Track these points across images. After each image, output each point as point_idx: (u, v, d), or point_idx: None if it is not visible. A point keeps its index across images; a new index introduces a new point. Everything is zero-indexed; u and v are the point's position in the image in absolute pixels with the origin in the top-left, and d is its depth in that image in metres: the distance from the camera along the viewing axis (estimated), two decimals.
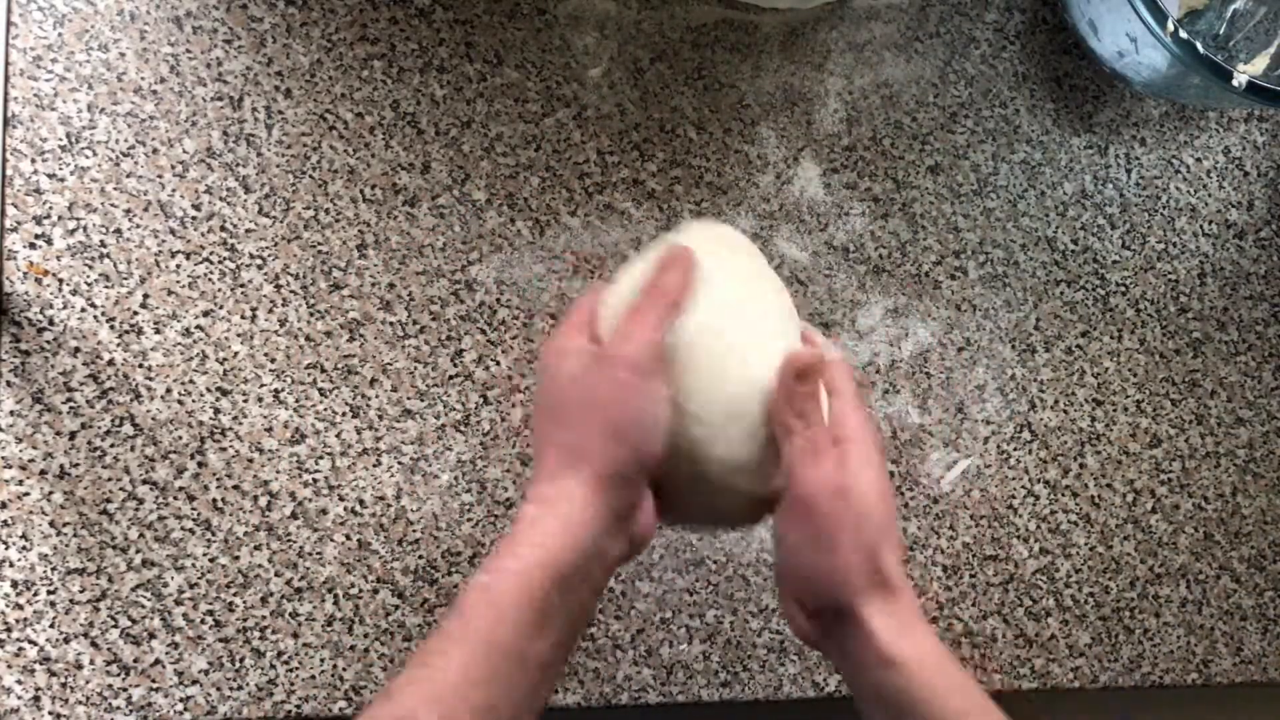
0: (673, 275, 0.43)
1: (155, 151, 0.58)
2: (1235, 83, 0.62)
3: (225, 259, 0.58)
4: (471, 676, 0.35)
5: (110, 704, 0.54)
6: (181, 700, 0.55)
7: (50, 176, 0.56)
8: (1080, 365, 0.73)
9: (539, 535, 0.39)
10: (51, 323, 0.55)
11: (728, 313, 0.45)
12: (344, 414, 0.59)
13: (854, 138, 0.70)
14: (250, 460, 0.57)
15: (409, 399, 0.60)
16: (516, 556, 0.38)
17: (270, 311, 0.58)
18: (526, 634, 0.37)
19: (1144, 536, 0.73)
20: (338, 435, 0.59)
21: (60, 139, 0.56)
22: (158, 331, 0.57)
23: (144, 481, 0.56)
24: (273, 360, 0.58)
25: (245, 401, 0.57)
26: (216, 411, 0.57)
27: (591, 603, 0.41)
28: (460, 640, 0.36)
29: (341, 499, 0.58)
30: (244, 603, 0.56)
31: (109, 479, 0.55)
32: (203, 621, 0.56)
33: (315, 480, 0.58)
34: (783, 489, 0.42)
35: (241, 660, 0.56)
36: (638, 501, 0.41)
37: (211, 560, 0.56)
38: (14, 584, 0.53)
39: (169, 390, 0.56)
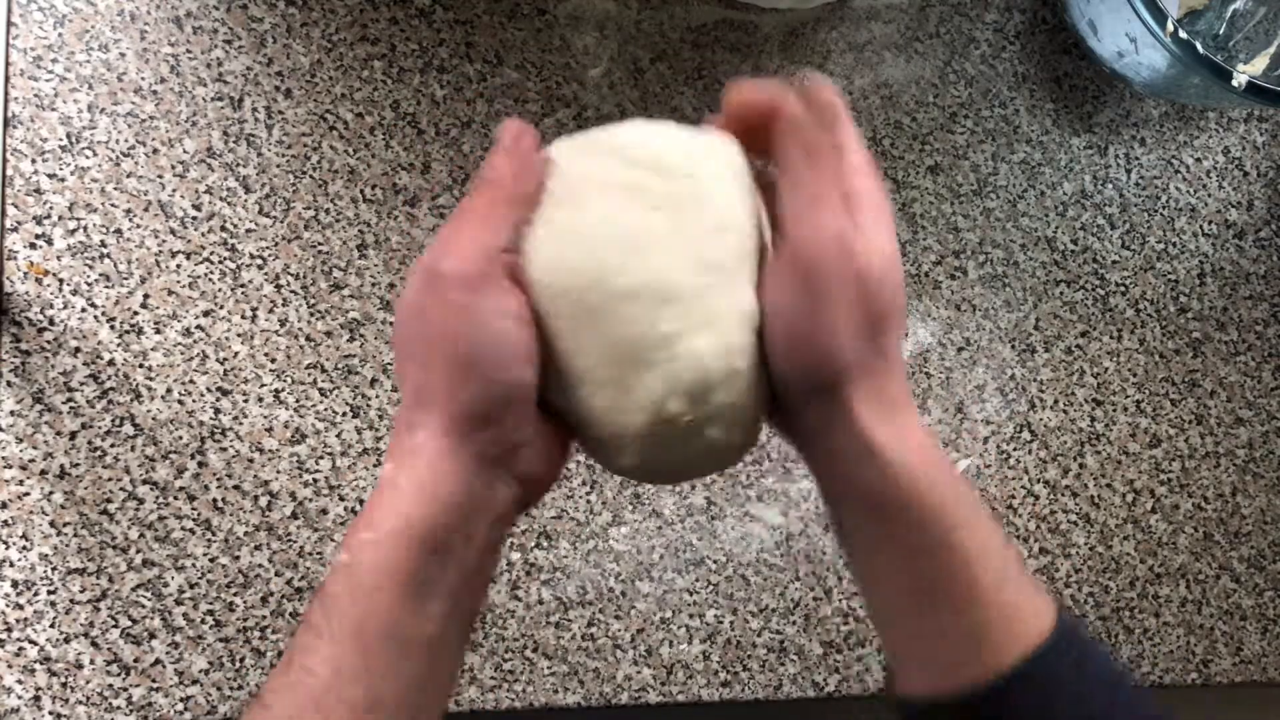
0: (501, 160, 0.34)
1: (155, 151, 0.58)
2: (1235, 83, 0.62)
3: (225, 259, 0.58)
4: (345, 672, 0.31)
5: (110, 704, 0.54)
6: (182, 700, 0.55)
7: (50, 176, 0.56)
8: (1080, 365, 0.73)
9: (397, 499, 0.32)
10: (52, 323, 0.55)
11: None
12: (344, 414, 0.59)
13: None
14: (250, 460, 0.57)
15: None
16: (374, 527, 0.32)
17: (270, 311, 0.58)
18: (403, 613, 0.32)
19: (1144, 536, 0.73)
20: (338, 435, 0.59)
21: (60, 139, 0.56)
22: (158, 331, 0.57)
23: (144, 481, 0.56)
24: (273, 360, 0.58)
25: (245, 401, 0.57)
26: (217, 411, 0.57)
27: (486, 561, 0.35)
28: (327, 631, 0.31)
29: (342, 499, 0.58)
30: (244, 603, 0.56)
31: (109, 479, 0.55)
32: (203, 621, 0.56)
33: (315, 480, 0.58)
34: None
35: (242, 660, 0.56)
36: (517, 439, 0.34)
37: (212, 560, 0.56)
38: (14, 584, 0.53)
39: (169, 390, 0.56)
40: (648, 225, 0.34)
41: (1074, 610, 0.71)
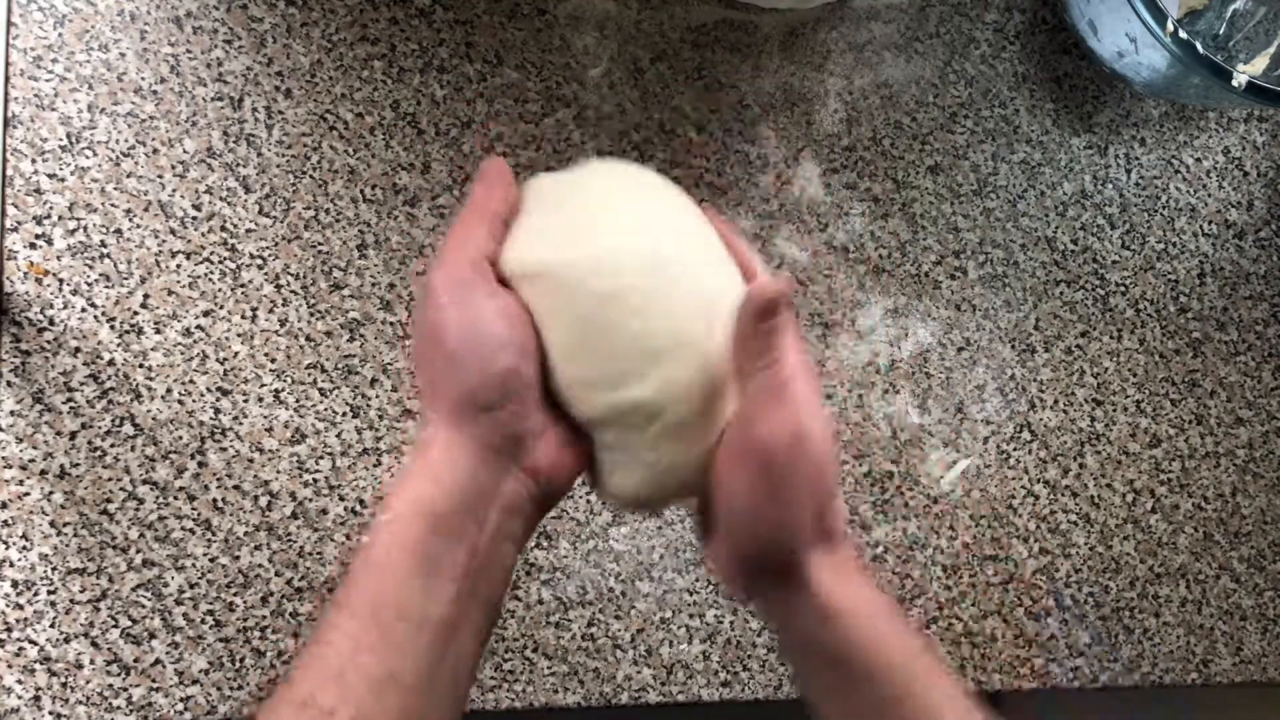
0: (480, 187, 0.39)
1: (155, 151, 0.58)
2: (1235, 83, 0.62)
3: (225, 259, 0.58)
4: (363, 644, 0.33)
5: (110, 704, 0.54)
6: (182, 700, 0.55)
7: (50, 176, 0.56)
8: (1080, 365, 0.73)
9: (409, 485, 0.36)
10: (52, 323, 0.55)
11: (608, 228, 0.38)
12: (344, 414, 0.59)
13: (854, 138, 0.70)
14: (250, 460, 0.57)
15: (409, 399, 0.60)
16: (389, 510, 0.35)
17: (270, 311, 0.58)
18: (413, 590, 0.34)
19: (1144, 536, 0.73)
20: (338, 435, 0.59)
21: (60, 139, 0.56)
22: (158, 331, 0.57)
23: (144, 481, 0.56)
24: (273, 360, 0.58)
25: (245, 401, 0.57)
26: (217, 411, 0.57)
27: (498, 551, 0.36)
28: (348, 608, 0.34)
29: (342, 499, 0.58)
30: (244, 603, 0.56)
31: (109, 479, 0.55)
32: (203, 621, 0.56)
33: (315, 480, 0.58)
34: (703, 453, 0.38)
35: (242, 660, 0.56)
36: (520, 428, 0.37)
37: (212, 560, 0.56)
38: (14, 584, 0.53)
39: (169, 390, 0.56)
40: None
41: (1074, 610, 0.71)
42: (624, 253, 0.37)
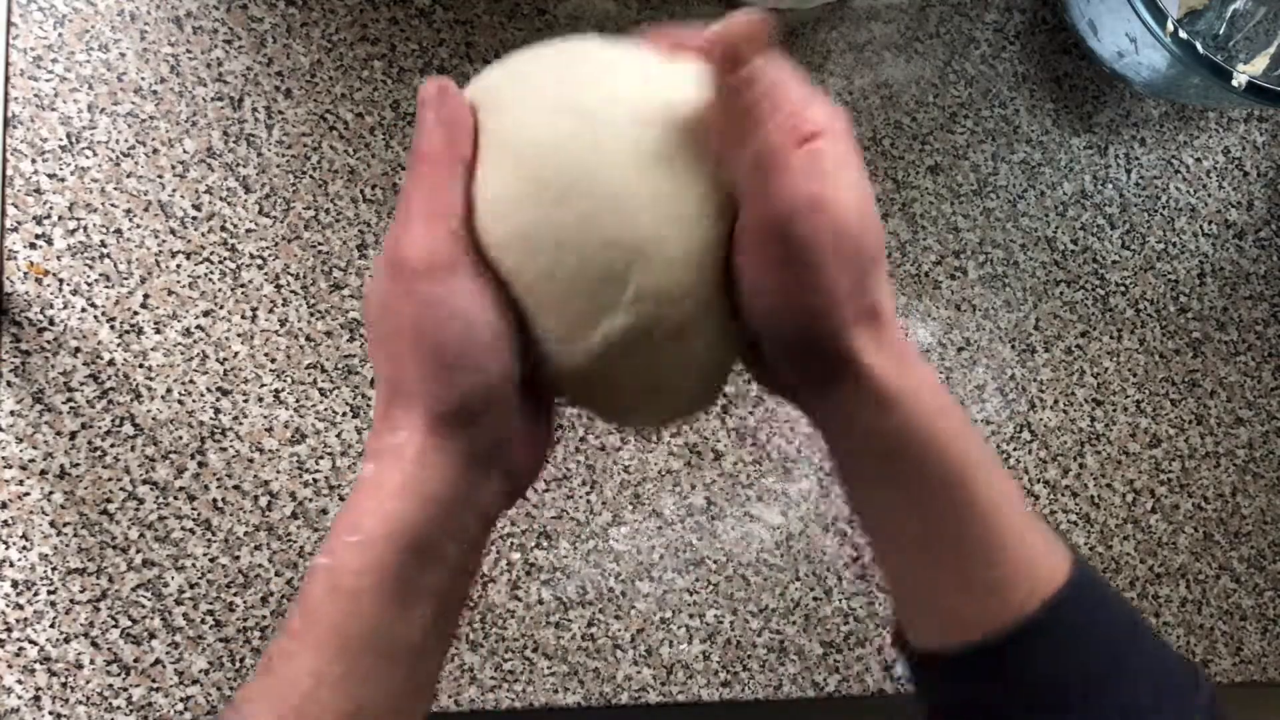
0: (432, 130, 0.32)
1: (155, 151, 0.58)
2: (1235, 83, 0.62)
3: (226, 259, 0.58)
4: (327, 679, 0.29)
5: (110, 704, 0.54)
6: (182, 700, 0.55)
7: (50, 176, 0.56)
8: (1080, 365, 0.73)
9: (381, 500, 0.31)
10: (52, 323, 0.55)
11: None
12: (344, 414, 0.59)
13: (854, 138, 0.70)
14: (250, 460, 0.57)
15: None
16: (358, 528, 0.31)
17: (270, 311, 0.58)
18: (386, 620, 0.30)
19: (1144, 536, 0.73)
20: (338, 435, 0.59)
21: (60, 139, 0.56)
22: (158, 331, 0.57)
23: (144, 481, 0.56)
24: (273, 360, 0.58)
25: (245, 401, 0.57)
26: (217, 411, 0.57)
27: (471, 560, 0.33)
28: (308, 637, 0.30)
29: (342, 499, 0.58)
30: (244, 603, 0.56)
31: (109, 479, 0.55)
32: (203, 621, 0.56)
33: (315, 480, 0.58)
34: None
35: (242, 660, 0.56)
36: (502, 433, 0.33)
37: (212, 560, 0.56)
38: (14, 584, 0.53)
39: (169, 390, 0.56)
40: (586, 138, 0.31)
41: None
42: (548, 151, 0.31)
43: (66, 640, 0.54)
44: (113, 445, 0.55)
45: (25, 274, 0.55)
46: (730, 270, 0.32)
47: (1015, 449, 0.71)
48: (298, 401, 0.58)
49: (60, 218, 0.56)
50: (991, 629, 0.31)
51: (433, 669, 0.33)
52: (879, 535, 0.35)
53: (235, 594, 0.56)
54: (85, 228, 0.56)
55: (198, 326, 0.57)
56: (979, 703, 0.32)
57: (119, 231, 0.57)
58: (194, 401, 0.57)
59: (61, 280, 0.56)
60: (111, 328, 0.56)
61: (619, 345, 0.32)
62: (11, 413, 0.54)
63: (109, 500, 0.55)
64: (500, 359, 0.31)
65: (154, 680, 0.55)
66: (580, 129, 0.31)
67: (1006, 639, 0.31)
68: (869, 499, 0.34)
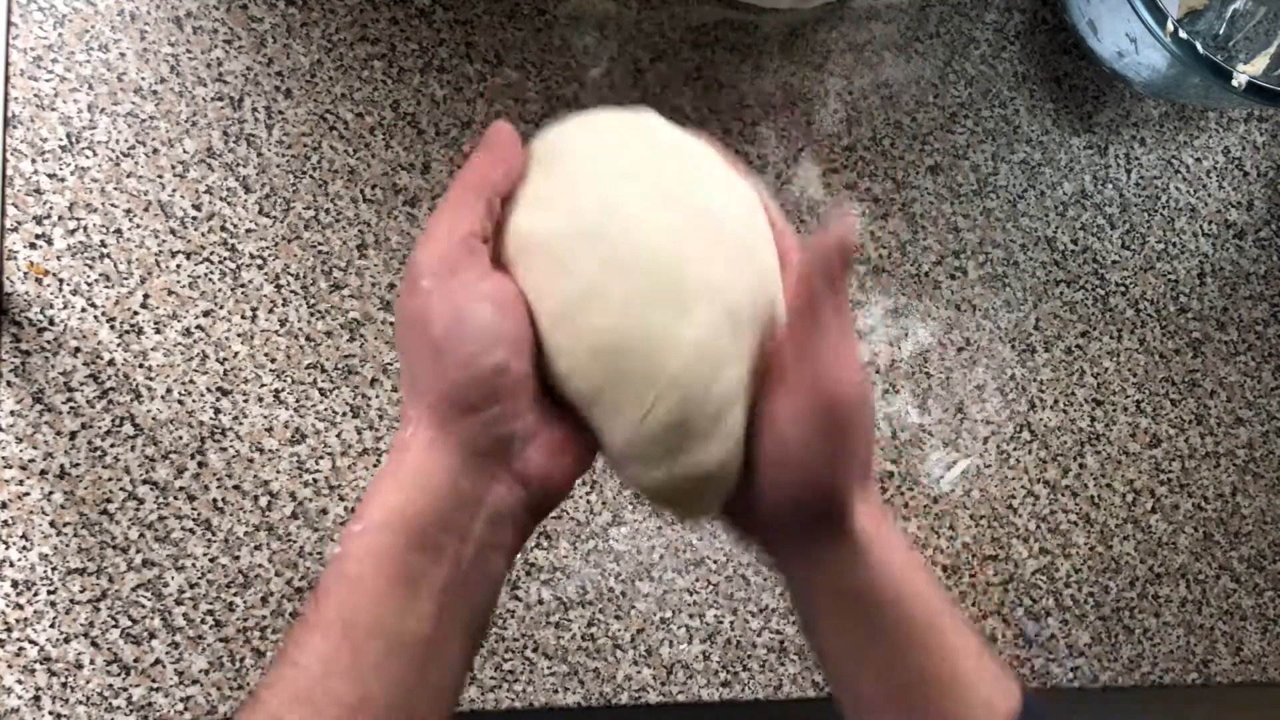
0: (482, 156, 0.35)
1: (155, 151, 0.58)
2: (1235, 83, 0.62)
3: (225, 259, 0.58)
4: (334, 667, 0.30)
5: (110, 704, 0.54)
6: (182, 700, 0.55)
7: (50, 176, 0.56)
8: (1080, 365, 0.73)
9: (384, 492, 0.32)
10: (52, 323, 0.55)
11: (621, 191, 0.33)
12: (344, 414, 0.59)
13: (854, 138, 0.70)
14: (250, 460, 0.57)
15: None
16: (363, 518, 0.32)
17: (270, 311, 0.58)
18: (390, 607, 0.31)
19: (1144, 536, 0.73)
20: (338, 435, 0.59)
21: (60, 139, 0.56)
22: (158, 331, 0.57)
23: (144, 481, 0.56)
24: (273, 360, 0.58)
25: (245, 401, 0.57)
26: (217, 411, 0.57)
27: (485, 563, 0.34)
28: (318, 626, 0.31)
29: (342, 499, 0.58)
30: (244, 603, 0.56)
31: (109, 479, 0.55)
32: (203, 621, 0.56)
33: (315, 480, 0.58)
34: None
35: (242, 660, 0.56)
36: (510, 430, 0.33)
37: (212, 560, 0.56)
38: (14, 584, 0.53)
39: (169, 390, 0.56)
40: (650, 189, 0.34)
41: (1074, 610, 0.71)
42: (617, 212, 0.33)
43: (66, 640, 0.54)
44: (113, 445, 0.55)
45: (25, 274, 0.55)
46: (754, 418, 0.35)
47: (1015, 449, 0.71)
48: (298, 401, 0.58)
49: (60, 218, 0.56)
50: None
51: (449, 671, 0.33)
52: (847, 681, 0.38)
53: (235, 594, 0.56)
54: (85, 228, 0.56)
55: (198, 326, 0.57)
56: None
57: (119, 231, 0.57)
58: (194, 401, 0.57)
59: (61, 280, 0.56)
60: (111, 328, 0.56)
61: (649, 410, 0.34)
62: (11, 413, 0.54)
63: (109, 500, 0.55)
64: (501, 353, 0.32)
65: (154, 680, 0.55)
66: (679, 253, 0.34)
67: None
68: (837, 641, 0.38)
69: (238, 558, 0.56)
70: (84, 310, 0.56)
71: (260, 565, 0.57)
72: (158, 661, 0.55)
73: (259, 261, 0.59)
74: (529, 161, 0.36)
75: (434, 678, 0.32)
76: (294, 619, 0.57)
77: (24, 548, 0.54)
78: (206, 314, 0.58)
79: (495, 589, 0.35)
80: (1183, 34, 0.62)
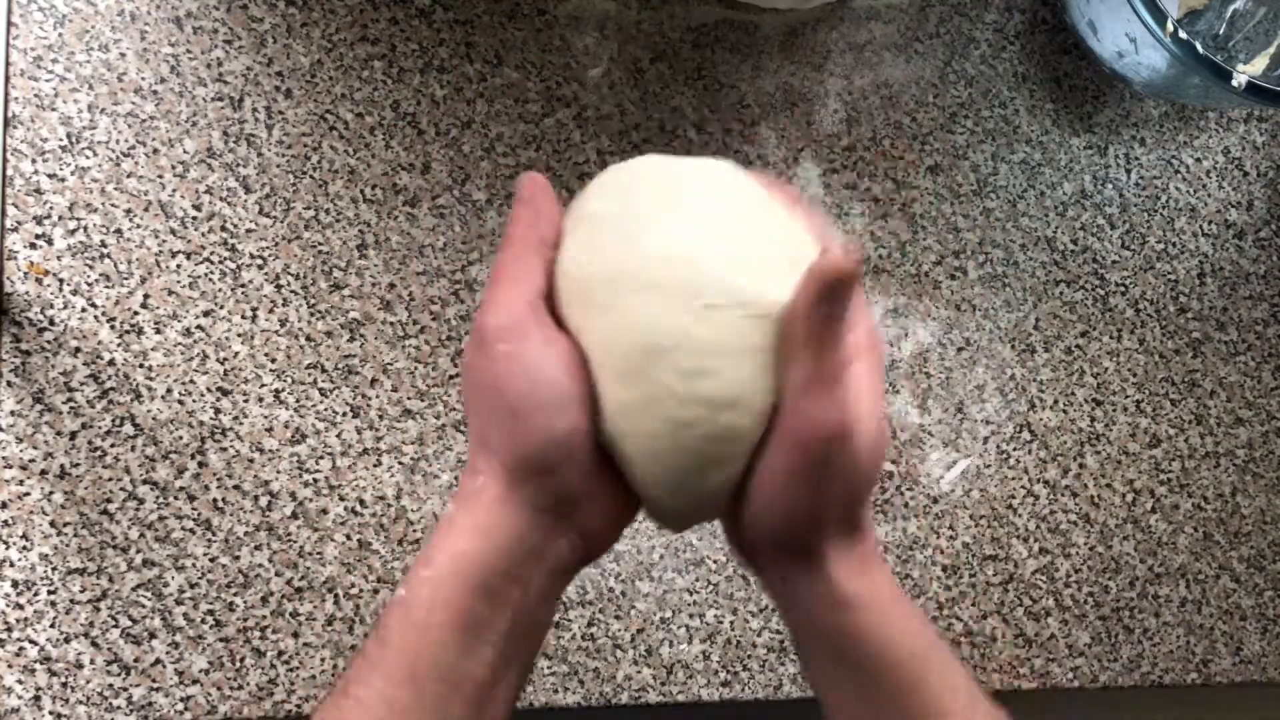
0: (525, 211, 0.36)
1: (156, 152, 0.58)
2: (1235, 83, 0.62)
3: (226, 259, 0.58)
4: (397, 706, 0.32)
5: (110, 704, 0.54)
6: (182, 700, 0.55)
7: (50, 176, 0.56)
8: (1080, 365, 0.73)
9: (454, 540, 0.34)
10: (52, 323, 0.55)
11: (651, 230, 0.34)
12: (344, 414, 0.59)
13: (854, 138, 0.70)
14: (251, 460, 0.57)
15: (409, 399, 0.60)
16: (431, 564, 0.34)
17: (271, 311, 0.58)
18: (453, 652, 0.33)
19: (1144, 536, 0.73)
20: (338, 435, 0.59)
21: (60, 139, 0.56)
22: (158, 331, 0.57)
23: (144, 481, 0.56)
24: (273, 360, 0.58)
25: (246, 401, 0.57)
26: (217, 411, 0.57)
27: (540, 612, 0.36)
28: (381, 664, 0.32)
29: (342, 499, 0.58)
30: (244, 602, 0.56)
31: (109, 479, 0.55)
32: (203, 621, 0.56)
33: (315, 480, 0.58)
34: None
35: (242, 660, 0.56)
36: (574, 490, 0.35)
37: (212, 560, 0.56)
38: (14, 584, 0.53)
39: (169, 390, 0.56)
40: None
41: (1074, 610, 0.71)
42: (671, 276, 0.33)
43: (66, 640, 0.54)
44: (113, 445, 0.55)
45: (25, 274, 0.55)
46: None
47: (1015, 449, 0.71)
48: (298, 401, 0.58)
49: (60, 218, 0.56)
50: None
51: (502, 709, 0.35)
52: (827, 703, 0.38)
53: (235, 594, 0.56)
54: (85, 228, 0.56)
55: (198, 326, 0.57)
56: None
57: (119, 231, 0.57)
58: (194, 401, 0.57)
59: (61, 280, 0.56)
60: (111, 328, 0.56)
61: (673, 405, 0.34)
62: (11, 413, 0.54)
63: (109, 500, 0.55)
64: (569, 417, 0.34)
65: (154, 680, 0.55)
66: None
67: None
68: (826, 687, 0.38)
69: (238, 558, 0.56)
70: (84, 310, 0.56)
71: (260, 565, 0.57)
72: (158, 661, 0.55)
73: (259, 261, 0.59)
74: (579, 205, 0.37)
75: (488, 716, 0.34)
76: (294, 619, 0.57)
77: (24, 548, 0.54)
78: (206, 314, 0.58)
79: (545, 632, 0.37)
80: (1183, 34, 0.62)
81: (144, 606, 0.55)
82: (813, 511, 0.35)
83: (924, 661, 0.36)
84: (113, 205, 0.57)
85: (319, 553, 0.58)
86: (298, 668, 0.57)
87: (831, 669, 0.37)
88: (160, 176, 0.58)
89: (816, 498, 0.34)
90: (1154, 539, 0.74)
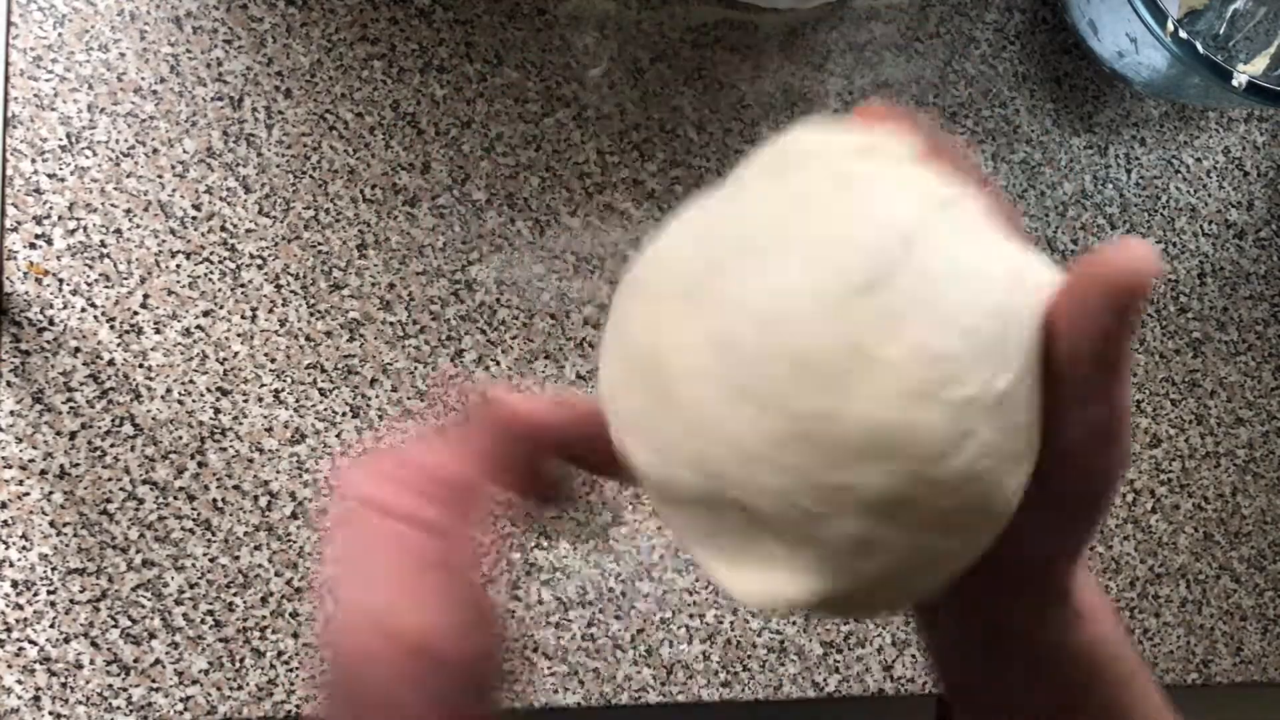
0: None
1: (155, 151, 0.58)
2: (1235, 83, 0.62)
3: (225, 259, 0.58)
4: None
5: (110, 704, 0.54)
6: (181, 700, 0.55)
7: (50, 176, 0.56)
8: None
9: None
10: (51, 323, 0.55)
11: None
12: (344, 414, 0.59)
13: None
14: (250, 460, 0.57)
15: (409, 399, 0.60)
16: None
17: (270, 311, 0.58)
18: None
19: (1144, 536, 0.73)
20: (338, 435, 0.59)
21: (60, 139, 0.56)
22: (158, 331, 0.57)
23: (144, 481, 0.56)
24: (273, 360, 0.58)
25: (245, 401, 0.57)
26: (217, 411, 0.57)
27: None
28: None
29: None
30: (244, 603, 0.56)
31: (109, 479, 0.55)
32: (203, 621, 0.56)
33: (315, 480, 0.58)
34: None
35: (242, 660, 0.56)
36: None
37: (212, 560, 0.56)
38: (14, 584, 0.53)
39: (169, 390, 0.56)
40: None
41: None
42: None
43: (66, 640, 0.54)
44: (113, 445, 0.55)
45: (25, 274, 0.55)
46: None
47: None
48: (298, 401, 0.58)
49: (60, 218, 0.56)
50: None
51: None
52: None
53: (235, 594, 0.56)
54: (85, 228, 0.56)
55: (198, 326, 0.57)
56: None
57: (119, 231, 0.57)
58: (194, 401, 0.57)
59: (61, 280, 0.56)
60: (111, 328, 0.56)
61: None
62: (11, 413, 0.54)
63: (109, 500, 0.55)
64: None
65: (154, 680, 0.55)
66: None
67: None
68: (1024, 703, 0.33)
69: (238, 558, 0.56)
70: (84, 310, 0.56)
71: (260, 565, 0.57)
72: (158, 661, 0.55)
73: (259, 261, 0.59)
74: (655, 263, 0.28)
75: None
76: (294, 619, 0.57)
77: (24, 548, 0.54)
78: (206, 314, 0.58)
79: None
80: (1183, 34, 0.62)
81: (144, 607, 0.55)
82: (1076, 549, 0.30)
83: (1140, 676, 0.33)
84: (112, 205, 0.57)
85: (319, 553, 0.58)
86: (297, 668, 0.57)
87: (1057, 687, 0.32)
88: (160, 176, 0.58)
89: (1082, 533, 0.29)
90: (1154, 539, 0.74)
